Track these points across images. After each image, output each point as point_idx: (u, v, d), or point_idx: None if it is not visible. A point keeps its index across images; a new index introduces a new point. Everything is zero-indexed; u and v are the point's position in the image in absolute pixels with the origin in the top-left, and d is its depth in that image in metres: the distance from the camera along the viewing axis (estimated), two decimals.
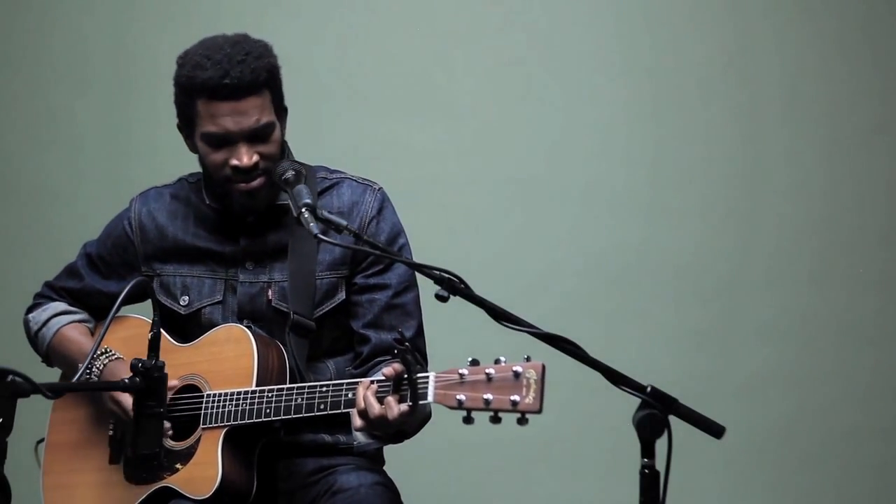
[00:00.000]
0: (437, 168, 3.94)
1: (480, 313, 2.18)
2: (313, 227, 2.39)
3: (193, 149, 2.68)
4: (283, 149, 2.69)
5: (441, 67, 4.01)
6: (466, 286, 2.20)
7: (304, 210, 2.43)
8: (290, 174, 2.55)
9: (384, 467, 2.75)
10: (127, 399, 2.57)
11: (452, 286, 2.20)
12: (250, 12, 3.98)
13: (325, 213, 2.42)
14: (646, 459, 2.03)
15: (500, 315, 2.16)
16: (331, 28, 3.91)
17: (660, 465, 2.03)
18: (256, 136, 2.58)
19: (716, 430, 2.09)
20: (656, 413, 2.03)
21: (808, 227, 3.89)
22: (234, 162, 2.57)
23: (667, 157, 3.93)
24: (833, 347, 3.84)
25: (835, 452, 3.82)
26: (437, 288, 2.21)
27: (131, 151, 4.11)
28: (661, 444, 2.03)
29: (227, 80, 2.53)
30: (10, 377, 1.93)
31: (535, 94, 3.99)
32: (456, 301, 2.21)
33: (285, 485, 2.65)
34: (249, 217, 2.69)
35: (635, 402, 2.06)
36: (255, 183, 2.60)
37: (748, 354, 3.85)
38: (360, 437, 2.54)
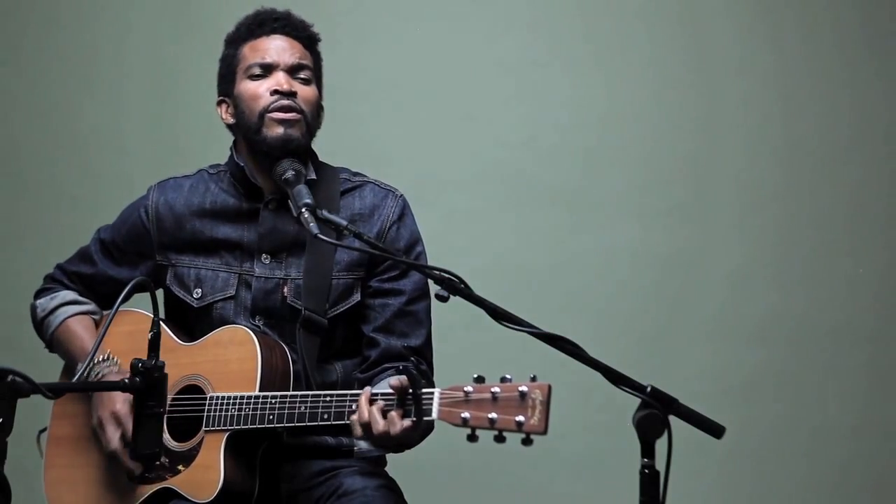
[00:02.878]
0: (437, 168, 3.94)
1: (480, 313, 2.18)
2: (313, 226, 2.40)
3: (233, 108, 2.71)
4: (317, 117, 2.73)
5: (441, 68, 4.01)
6: (466, 286, 2.20)
7: (304, 210, 2.44)
8: (290, 174, 2.56)
9: (385, 468, 2.75)
10: (112, 431, 2.57)
11: (452, 286, 2.20)
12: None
13: (325, 214, 2.43)
14: (646, 459, 2.03)
15: (500, 315, 2.16)
16: (331, 28, 3.90)
17: (660, 465, 2.03)
18: (295, 74, 2.70)
19: (716, 430, 2.09)
20: (656, 413, 2.03)
21: (809, 228, 3.89)
22: (275, 87, 2.66)
23: (667, 158, 3.93)
24: (833, 348, 3.84)
25: (834, 452, 3.81)
26: (437, 288, 2.21)
27: (135, 151, 4.11)
28: (661, 444, 2.03)
29: (277, 16, 2.75)
30: (10, 377, 1.93)
31: (536, 94, 3.99)
32: (456, 301, 2.21)
33: (288, 486, 2.65)
34: (270, 204, 2.68)
35: (635, 402, 2.06)
36: (291, 115, 2.65)
37: (747, 354, 3.85)
38: (361, 444, 2.53)
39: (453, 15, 4.03)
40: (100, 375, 2.64)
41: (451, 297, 2.21)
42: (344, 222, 2.40)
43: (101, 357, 2.65)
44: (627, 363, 2.20)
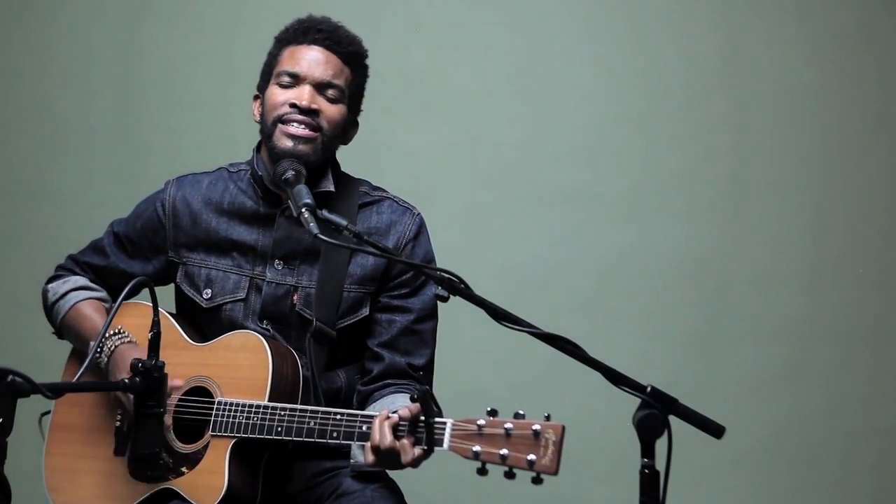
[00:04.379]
0: (437, 168, 3.94)
1: (480, 313, 2.18)
2: (313, 226, 2.40)
3: (261, 107, 2.70)
4: (338, 136, 2.71)
5: (442, 69, 4.01)
6: (466, 286, 2.20)
7: (304, 210, 2.43)
8: (289, 174, 2.56)
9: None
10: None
11: (452, 286, 2.20)
12: (250, 13, 3.99)
13: (325, 213, 2.42)
14: (646, 459, 2.03)
15: (500, 315, 2.16)
16: None
17: (660, 465, 2.03)
18: (323, 90, 2.67)
19: (716, 430, 2.09)
20: (656, 413, 2.03)
21: (809, 228, 3.89)
22: (295, 100, 2.64)
23: (668, 159, 3.93)
24: (832, 348, 3.84)
25: (834, 452, 3.81)
26: (437, 288, 2.21)
27: (134, 153, 4.12)
28: (661, 444, 2.03)
29: (322, 27, 2.70)
30: (10, 377, 1.93)
31: (537, 95, 3.98)
32: (456, 301, 2.21)
33: (289, 487, 2.65)
34: (287, 210, 2.65)
35: (635, 402, 2.06)
36: (304, 131, 2.63)
37: (748, 354, 3.85)
38: (358, 457, 2.52)
39: (455, 15, 4.03)
40: (114, 348, 2.62)
41: (451, 297, 2.21)
42: (344, 222, 2.40)
43: (113, 331, 2.64)
44: (627, 363, 2.20)
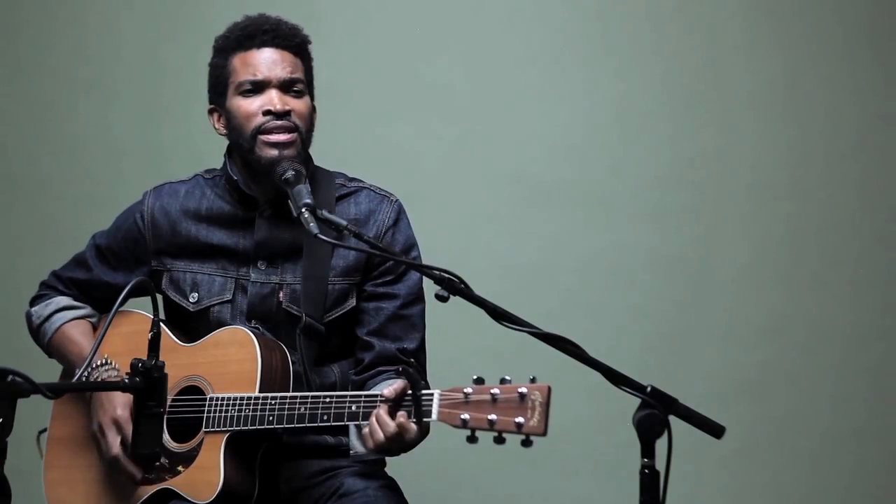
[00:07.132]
0: (437, 168, 3.94)
1: (480, 313, 2.18)
2: (313, 227, 2.40)
3: (225, 121, 2.69)
4: (312, 128, 2.71)
5: (441, 67, 4.00)
6: (466, 286, 2.20)
7: (304, 210, 2.44)
8: (290, 174, 2.56)
9: (385, 468, 2.75)
10: (112, 437, 2.59)
11: (452, 286, 2.20)
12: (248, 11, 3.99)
13: (325, 214, 2.43)
14: (646, 459, 2.03)
15: (500, 315, 2.17)
16: (330, 25, 3.91)
17: (660, 465, 2.03)
18: (288, 89, 2.66)
19: (716, 430, 2.09)
20: (656, 413, 2.03)
21: (809, 228, 3.88)
22: (267, 107, 2.63)
23: (669, 158, 3.92)
24: (832, 348, 3.83)
25: (834, 453, 3.81)
26: (437, 288, 2.21)
27: (135, 152, 4.11)
28: (661, 444, 2.03)
29: (267, 26, 2.68)
30: (10, 377, 1.93)
31: (536, 93, 3.98)
32: (456, 301, 2.21)
33: (288, 486, 2.66)
34: (265, 212, 2.69)
35: (635, 402, 2.06)
36: (285, 137, 2.62)
37: (748, 354, 3.84)
38: (357, 446, 2.53)
39: (456, 12, 4.02)
40: (99, 380, 2.64)
41: (451, 297, 2.21)
42: (344, 222, 2.40)
43: (100, 361, 2.65)
44: (627, 363, 2.20)
